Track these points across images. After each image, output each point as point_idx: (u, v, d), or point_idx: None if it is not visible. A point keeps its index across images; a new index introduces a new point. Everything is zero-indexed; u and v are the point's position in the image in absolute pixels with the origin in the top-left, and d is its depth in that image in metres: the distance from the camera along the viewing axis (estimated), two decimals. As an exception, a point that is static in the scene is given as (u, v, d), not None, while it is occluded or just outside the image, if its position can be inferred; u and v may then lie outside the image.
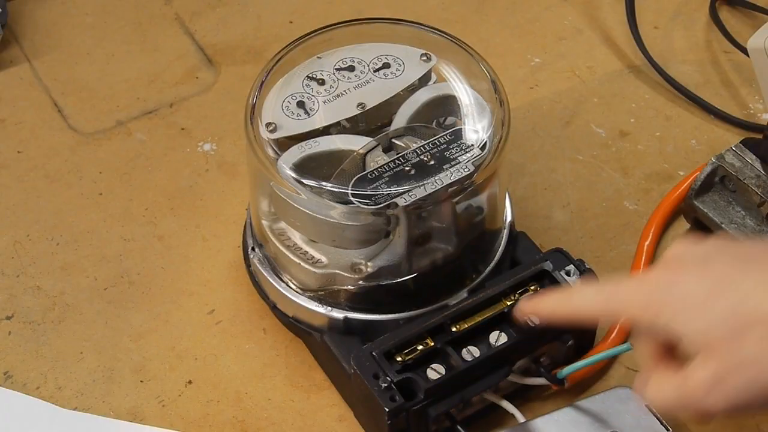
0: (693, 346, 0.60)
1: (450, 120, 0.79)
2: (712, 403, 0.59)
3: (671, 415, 0.70)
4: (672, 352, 0.63)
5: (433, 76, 0.80)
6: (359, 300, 0.78)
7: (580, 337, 0.79)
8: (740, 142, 0.85)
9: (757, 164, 0.84)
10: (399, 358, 0.74)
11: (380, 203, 0.73)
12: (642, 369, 0.65)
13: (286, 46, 0.81)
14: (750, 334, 0.57)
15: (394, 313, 0.78)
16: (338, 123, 0.78)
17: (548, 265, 0.78)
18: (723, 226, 0.83)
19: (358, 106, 0.78)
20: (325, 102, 0.78)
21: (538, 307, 0.70)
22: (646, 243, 0.87)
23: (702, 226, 0.87)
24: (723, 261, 0.60)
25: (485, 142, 0.76)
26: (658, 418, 0.75)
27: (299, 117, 0.77)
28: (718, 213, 0.84)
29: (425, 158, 0.75)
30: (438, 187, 0.74)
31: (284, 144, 0.76)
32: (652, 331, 0.63)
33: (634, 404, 0.76)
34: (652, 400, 0.63)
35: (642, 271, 0.85)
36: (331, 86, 0.79)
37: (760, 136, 0.92)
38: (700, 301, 0.59)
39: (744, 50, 0.99)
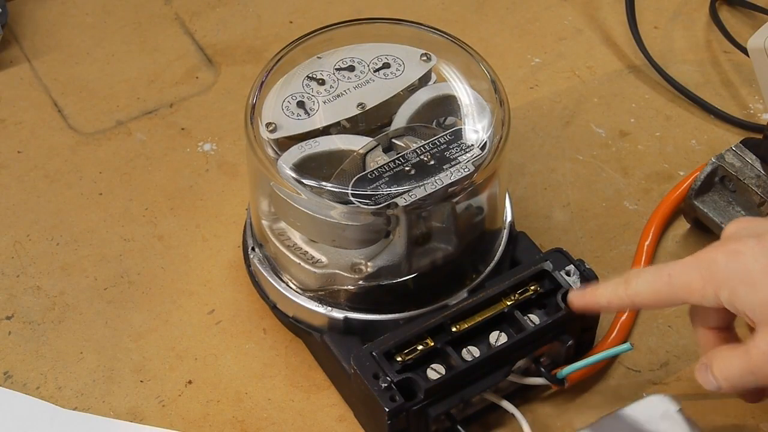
0: (755, 317, 0.61)
1: (450, 120, 0.79)
2: None
3: (737, 394, 0.71)
4: (728, 334, 0.65)
5: (433, 76, 0.80)
6: (359, 300, 0.78)
7: (580, 337, 0.79)
8: (740, 142, 0.85)
9: (757, 164, 0.84)
10: (399, 358, 0.74)
11: (380, 203, 0.73)
12: (702, 353, 0.66)
13: (286, 46, 0.81)
14: None
15: (394, 313, 0.78)
16: (338, 123, 0.78)
17: (548, 265, 0.78)
18: (723, 226, 0.83)
19: (358, 106, 0.78)
20: (325, 102, 0.78)
21: (593, 298, 0.70)
22: (646, 243, 0.87)
23: (702, 226, 0.87)
24: None
25: (485, 142, 0.76)
26: (690, 423, 0.74)
27: (299, 117, 0.77)
28: (718, 213, 0.84)
29: (425, 158, 0.75)
30: (438, 187, 0.74)
31: (284, 144, 0.76)
32: (712, 308, 0.64)
33: (669, 412, 0.75)
34: (719, 378, 0.64)
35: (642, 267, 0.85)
36: (331, 86, 0.79)
37: (760, 136, 0.92)
38: (758, 274, 0.60)
39: (744, 50, 0.99)
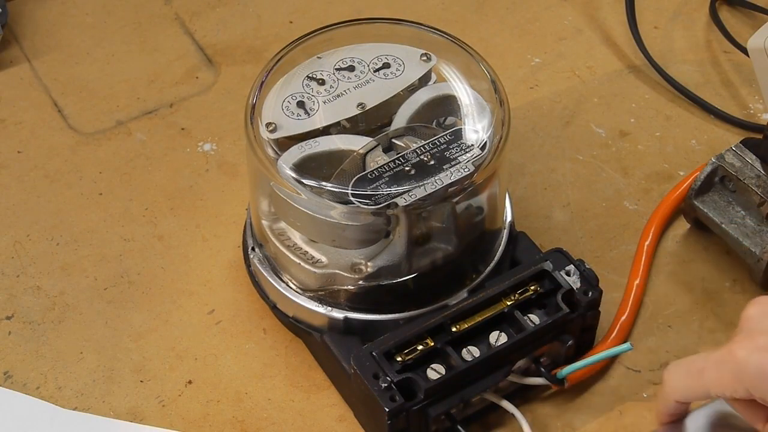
0: None
1: (450, 120, 0.79)
2: None
3: None
4: None
5: (433, 76, 0.80)
6: (359, 300, 0.78)
7: (580, 337, 0.79)
8: (740, 142, 0.85)
9: (757, 164, 0.84)
10: (399, 358, 0.74)
11: (380, 203, 0.73)
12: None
13: (286, 46, 0.81)
14: None
15: (394, 313, 0.78)
16: (338, 123, 0.78)
17: (548, 265, 0.78)
18: (723, 225, 0.83)
19: (358, 106, 0.78)
20: (325, 102, 0.78)
21: (660, 420, 0.72)
22: (646, 243, 0.87)
23: (702, 226, 0.87)
24: None
25: (485, 142, 0.76)
26: None
27: (299, 117, 0.77)
28: (718, 213, 0.84)
29: (425, 158, 0.75)
30: (438, 187, 0.74)
31: (284, 144, 0.76)
32: (749, 400, 0.65)
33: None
34: None
35: (642, 269, 0.85)
36: (331, 86, 0.79)
37: (760, 136, 0.92)
38: None
39: (744, 50, 0.99)
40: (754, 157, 0.84)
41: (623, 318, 0.82)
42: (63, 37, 1.03)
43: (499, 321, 0.76)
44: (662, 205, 0.89)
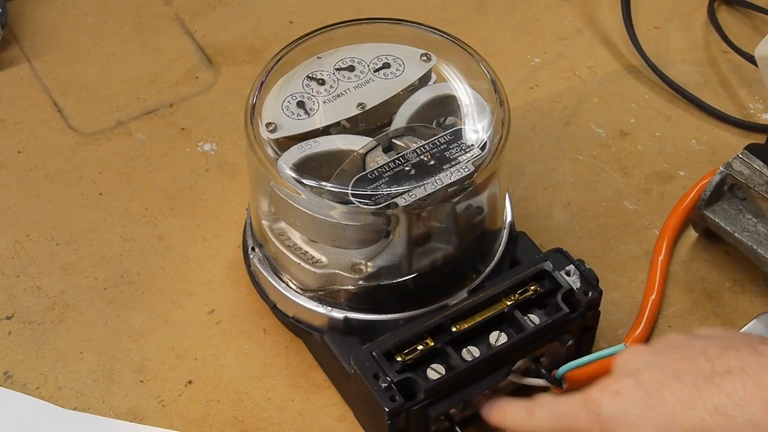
0: None
1: (450, 120, 0.79)
2: None
3: None
4: None
5: (433, 76, 0.80)
6: (359, 300, 0.78)
7: (580, 337, 0.79)
8: (745, 149, 0.84)
9: (765, 170, 0.83)
10: (399, 358, 0.74)
11: (380, 203, 0.73)
12: None
13: (286, 46, 0.81)
14: None
15: (394, 313, 0.78)
16: (338, 123, 0.78)
17: (548, 265, 0.78)
18: (735, 234, 0.83)
19: (358, 106, 0.78)
20: (325, 102, 0.78)
21: (501, 417, 0.74)
22: (660, 258, 0.86)
23: (711, 236, 0.86)
24: (653, 372, 0.64)
25: (485, 142, 0.76)
26: None
27: (299, 117, 0.77)
28: (729, 222, 0.84)
29: (425, 158, 0.75)
30: (438, 187, 0.74)
31: (284, 144, 0.76)
32: None
33: None
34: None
35: (657, 285, 0.85)
36: (331, 86, 0.79)
37: (761, 137, 0.92)
38: (635, 418, 0.63)
39: (742, 51, 0.99)
40: (761, 163, 0.83)
41: (637, 332, 0.82)
42: (63, 37, 1.03)
43: (499, 321, 0.76)
44: (671, 218, 0.88)
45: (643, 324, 0.83)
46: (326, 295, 0.79)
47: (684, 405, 0.62)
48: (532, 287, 0.77)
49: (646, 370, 0.64)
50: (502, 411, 0.74)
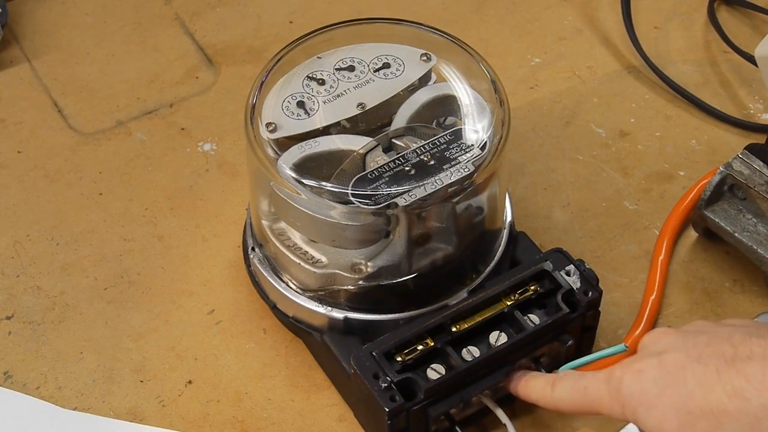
0: None
1: (450, 120, 0.79)
2: None
3: None
4: None
5: (433, 76, 0.80)
6: (359, 300, 0.78)
7: (580, 337, 0.79)
8: (745, 149, 0.84)
9: (765, 170, 0.83)
10: (399, 358, 0.74)
11: (380, 203, 0.73)
12: None
13: (286, 46, 0.81)
14: (695, 428, 0.62)
15: (394, 313, 0.78)
16: (338, 123, 0.78)
17: (548, 265, 0.78)
18: (735, 234, 0.83)
19: (358, 106, 0.78)
20: (325, 102, 0.78)
21: (525, 390, 0.74)
22: (660, 258, 0.86)
23: (711, 236, 0.86)
24: (677, 354, 0.65)
25: (485, 142, 0.76)
26: None
27: (299, 117, 0.77)
28: (730, 222, 0.84)
29: (425, 158, 0.75)
30: (438, 187, 0.74)
31: (284, 144, 0.76)
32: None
33: None
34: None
35: (657, 285, 0.85)
36: (331, 86, 0.79)
37: (761, 138, 0.91)
38: (653, 396, 0.64)
39: (742, 51, 0.99)
40: (761, 163, 0.83)
41: (637, 332, 0.82)
42: (63, 37, 1.03)
43: (499, 321, 0.76)
44: (671, 218, 0.88)
45: (643, 324, 0.83)
46: (326, 295, 0.79)
47: (703, 386, 0.62)
48: (532, 287, 0.77)
49: (671, 351, 0.65)
50: (527, 383, 0.74)
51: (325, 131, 0.77)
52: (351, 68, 0.80)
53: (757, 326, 0.66)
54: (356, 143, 0.76)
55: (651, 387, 0.64)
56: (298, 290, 0.80)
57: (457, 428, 0.76)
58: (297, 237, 0.79)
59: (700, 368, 0.63)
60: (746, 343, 0.63)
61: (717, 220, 0.84)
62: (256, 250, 0.82)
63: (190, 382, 0.82)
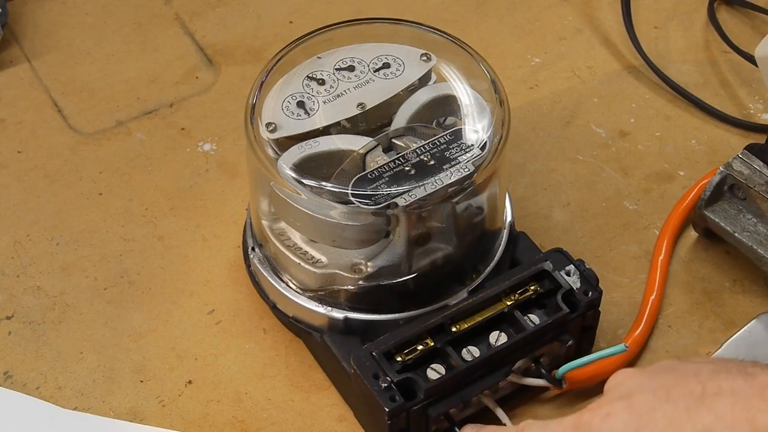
0: None
1: (450, 120, 0.79)
2: None
3: None
4: None
5: (433, 76, 0.80)
6: (359, 300, 0.78)
7: (580, 337, 0.79)
8: (745, 149, 0.84)
9: (765, 170, 0.83)
10: (399, 358, 0.74)
11: (380, 203, 0.73)
12: None
13: (286, 46, 0.81)
14: None
15: (394, 313, 0.78)
16: (338, 123, 0.78)
17: (548, 265, 0.78)
18: (735, 234, 0.83)
19: (358, 106, 0.78)
20: (325, 102, 0.78)
21: None
22: (660, 258, 0.86)
23: (711, 236, 0.86)
24: (645, 395, 0.64)
25: (485, 142, 0.76)
26: None
27: (299, 117, 0.77)
28: (730, 222, 0.84)
29: (425, 158, 0.75)
30: (438, 187, 0.74)
31: (284, 144, 0.76)
32: None
33: None
34: None
35: (657, 285, 0.85)
36: (331, 86, 0.79)
37: (761, 138, 0.92)
38: None
39: (742, 51, 0.99)
40: (761, 163, 0.83)
41: (637, 332, 0.82)
42: (63, 37, 1.03)
43: (499, 321, 0.76)
44: (671, 217, 0.88)
45: (643, 324, 0.83)
46: (326, 295, 0.79)
47: (674, 426, 0.62)
48: (532, 287, 0.78)
49: (638, 393, 0.64)
50: None
51: (325, 131, 0.77)
52: (351, 68, 0.80)
53: (724, 362, 0.65)
54: (356, 143, 0.76)
55: (621, 430, 0.63)
56: (298, 290, 0.80)
57: (457, 428, 0.76)
58: (297, 237, 0.79)
59: (670, 408, 0.62)
60: (714, 379, 0.62)
61: (717, 220, 0.84)
62: (256, 250, 0.82)
63: (190, 382, 0.82)
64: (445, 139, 0.76)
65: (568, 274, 0.78)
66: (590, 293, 0.77)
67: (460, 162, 0.75)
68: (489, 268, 0.81)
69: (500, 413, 0.76)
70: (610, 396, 0.66)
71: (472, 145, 0.76)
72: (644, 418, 0.63)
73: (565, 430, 0.67)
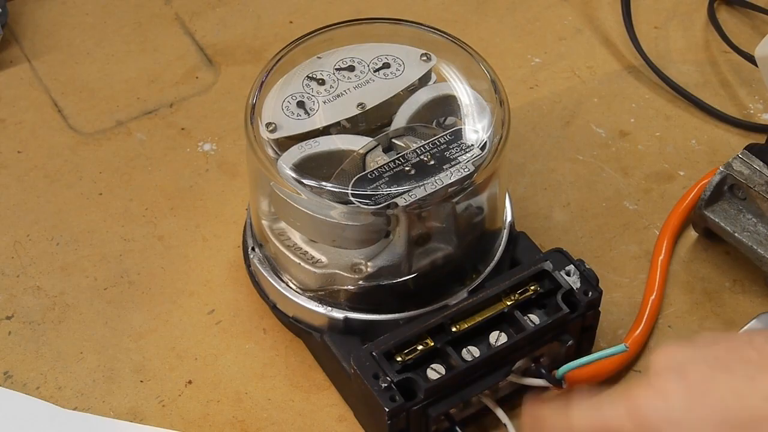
0: None
1: (450, 120, 0.79)
2: None
3: None
4: None
5: (433, 76, 0.80)
6: (359, 300, 0.78)
7: (579, 337, 0.79)
8: (745, 149, 0.84)
9: (765, 170, 0.83)
10: (399, 358, 0.74)
11: (380, 203, 0.73)
12: None
13: (286, 46, 0.81)
14: None
15: (394, 313, 0.78)
16: (338, 123, 0.78)
17: (548, 265, 0.78)
18: (735, 234, 0.83)
19: (358, 106, 0.78)
20: (325, 102, 0.78)
21: (540, 419, 0.70)
22: (660, 258, 0.86)
23: (711, 236, 0.86)
24: (698, 366, 0.62)
25: (485, 142, 0.76)
26: None
27: (299, 117, 0.77)
28: (730, 222, 0.84)
29: (425, 158, 0.75)
30: (438, 187, 0.74)
31: (284, 144, 0.76)
32: None
33: None
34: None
35: (657, 285, 0.85)
36: (331, 86, 0.79)
37: (761, 137, 0.92)
38: (680, 415, 0.61)
39: (742, 51, 0.99)
40: (761, 163, 0.83)
41: (637, 332, 0.82)
42: (63, 37, 1.03)
43: (499, 321, 0.76)
44: (671, 217, 0.88)
45: (643, 324, 0.83)
46: (326, 295, 0.79)
47: (737, 395, 0.60)
48: (532, 287, 0.77)
49: (691, 365, 0.62)
50: (539, 411, 0.70)
51: (325, 131, 0.77)
52: (351, 68, 0.80)
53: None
54: (356, 143, 0.76)
55: (677, 404, 0.61)
56: (298, 290, 0.80)
57: (457, 428, 0.76)
58: (297, 237, 0.79)
59: (728, 377, 0.61)
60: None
61: (717, 220, 0.84)
62: (256, 250, 0.82)
63: (190, 382, 0.82)
64: (445, 139, 0.76)
65: (568, 274, 0.78)
66: (590, 293, 0.77)
67: (460, 162, 0.75)
68: (489, 268, 0.81)
69: (500, 413, 0.76)
70: (660, 372, 0.64)
71: (472, 145, 0.76)
72: (702, 389, 0.61)
73: (617, 413, 0.64)
